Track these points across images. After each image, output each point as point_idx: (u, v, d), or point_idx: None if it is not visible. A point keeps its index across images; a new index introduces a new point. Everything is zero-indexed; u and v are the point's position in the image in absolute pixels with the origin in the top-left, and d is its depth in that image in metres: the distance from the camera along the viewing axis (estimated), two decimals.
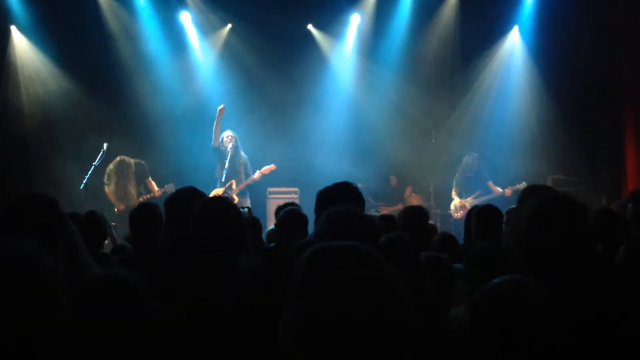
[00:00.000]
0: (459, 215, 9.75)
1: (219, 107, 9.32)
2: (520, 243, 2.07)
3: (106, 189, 9.19)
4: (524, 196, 3.49)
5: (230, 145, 9.31)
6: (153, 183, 9.32)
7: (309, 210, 3.40)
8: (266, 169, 9.43)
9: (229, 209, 2.34)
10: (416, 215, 4.23)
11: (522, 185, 9.24)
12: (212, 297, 2.17)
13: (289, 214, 4.07)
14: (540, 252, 1.99)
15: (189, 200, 2.59)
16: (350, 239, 1.62)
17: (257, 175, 9.39)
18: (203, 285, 2.21)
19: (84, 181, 8.51)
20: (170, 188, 8.91)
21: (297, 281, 1.39)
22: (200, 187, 3.17)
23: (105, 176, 9.17)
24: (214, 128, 9.35)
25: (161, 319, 1.85)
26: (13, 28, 10.29)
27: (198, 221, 2.29)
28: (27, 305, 1.66)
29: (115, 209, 9.02)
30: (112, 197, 9.18)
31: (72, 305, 1.75)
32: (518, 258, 2.25)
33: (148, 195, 9.07)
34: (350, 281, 1.34)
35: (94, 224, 4.15)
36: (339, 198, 2.82)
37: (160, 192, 9.04)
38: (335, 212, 2.29)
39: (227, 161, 9.25)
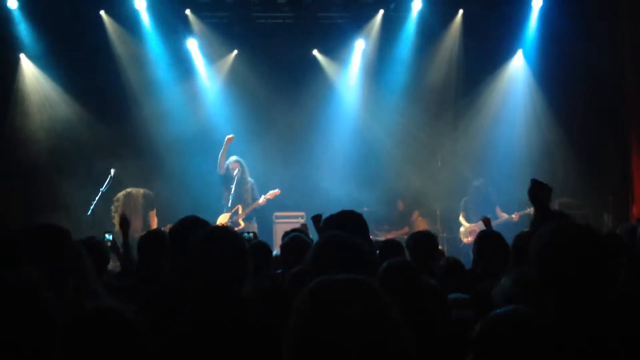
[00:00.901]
0: (468, 240, 9.71)
1: (227, 137, 9.37)
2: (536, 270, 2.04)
3: (115, 217, 9.25)
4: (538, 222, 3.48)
5: (236, 171, 9.34)
6: (155, 218, 9.30)
7: (316, 235, 3.42)
8: (271, 193, 9.46)
9: (231, 240, 2.33)
10: (426, 241, 4.24)
11: (531, 210, 9.17)
12: (214, 328, 2.17)
13: (292, 240, 4.08)
14: (554, 280, 1.97)
15: (192, 229, 2.60)
16: (338, 265, 1.63)
17: (262, 200, 9.40)
18: (205, 316, 2.21)
19: (91, 207, 8.55)
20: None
21: (297, 315, 1.41)
22: (207, 213, 3.20)
23: (113, 207, 9.22)
24: (219, 156, 9.39)
25: (156, 352, 1.84)
26: (22, 56, 10.44)
27: (199, 253, 2.28)
28: (24, 337, 1.67)
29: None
30: (117, 228, 9.21)
31: (61, 338, 1.75)
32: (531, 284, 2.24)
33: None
34: (349, 315, 1.36)
35: (93, 250, 4.14)
36: (344, 226, 2.85)
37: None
38: (323, 241, 2.31)
39: (232, 186, 9.28)
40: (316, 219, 4.61)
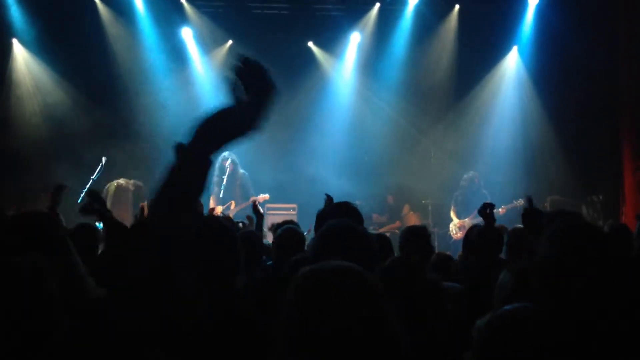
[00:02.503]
0: (458, 235, 9.70)
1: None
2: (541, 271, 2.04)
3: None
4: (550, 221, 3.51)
5: (226, 167, 9.36)
6: (146, 209, 9.20)
7: (307, 227, 3.41)
8: (261, 197, 9.50)
9: (222, 235, 2.31)
10: (421, 236, 4.25)
11: (520, 202, 9.15)
12: (206, 321, 2.16)
13: (286, 232, 4.07)
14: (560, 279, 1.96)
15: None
16: (344, 253, 1.65)
17: (251, 202, 9.51)
18: (198, 311, 2.20)
19: (82, 195, 8.49)
20: None
21: (289, 300, 1.45)
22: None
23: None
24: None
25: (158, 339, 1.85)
26: (15, 41, 10.36)
27: (191, 247, 2.25)
28: (29, 322, 1.67)
29: None
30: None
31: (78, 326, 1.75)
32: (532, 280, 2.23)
33: None
34: (337, 301, 1.40)
35: (85, 236, 4.15)
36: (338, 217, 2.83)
37: None
38: (330, 228, 2.31)
39: (225, 177, 9.30)
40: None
